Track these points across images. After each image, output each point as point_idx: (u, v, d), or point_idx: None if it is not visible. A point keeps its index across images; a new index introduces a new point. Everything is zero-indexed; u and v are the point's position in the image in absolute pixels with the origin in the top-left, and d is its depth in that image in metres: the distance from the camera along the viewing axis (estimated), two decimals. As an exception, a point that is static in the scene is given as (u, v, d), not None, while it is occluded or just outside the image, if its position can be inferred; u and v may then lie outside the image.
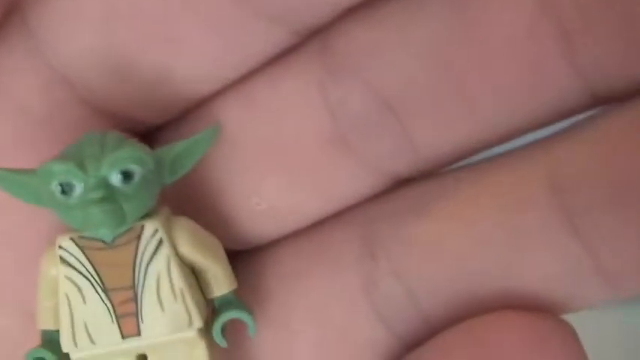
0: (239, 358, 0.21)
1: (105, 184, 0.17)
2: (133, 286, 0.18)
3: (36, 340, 0.20)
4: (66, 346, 0.19)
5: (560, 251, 0.18)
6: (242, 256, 0.22)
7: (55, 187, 0.17)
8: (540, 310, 0.19)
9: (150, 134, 0.22)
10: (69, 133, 0.20)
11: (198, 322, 0.19)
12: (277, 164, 0.20)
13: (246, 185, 0.21)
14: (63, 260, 0.18)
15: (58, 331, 0.19)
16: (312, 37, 0.20)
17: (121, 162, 0.17)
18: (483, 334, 0.18)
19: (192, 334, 0.19)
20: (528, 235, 0.19)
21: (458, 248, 0.19)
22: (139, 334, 0.19)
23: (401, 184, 0.21)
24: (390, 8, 0.19)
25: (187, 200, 0.21)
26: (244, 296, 0.20)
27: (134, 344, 0.19)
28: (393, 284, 0.20)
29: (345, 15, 0.19)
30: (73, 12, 0.19)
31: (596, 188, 0.18)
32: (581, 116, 0.19)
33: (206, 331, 0.20)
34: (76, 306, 0.18)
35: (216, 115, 0.21)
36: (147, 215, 0.19)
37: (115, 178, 0.17)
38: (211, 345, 0.19)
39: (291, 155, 0.20)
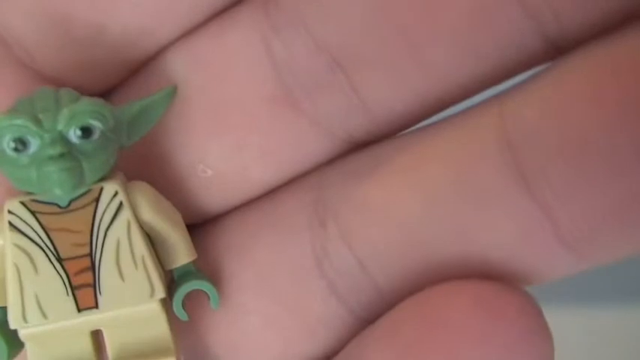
0: (192, 333, 0.20)
1: (63, 140, 0.16)
2: (90, 254, 0.17)
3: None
4: (14, 321, 0.17)
5: (516, 212, 0.17)
6: (191, 230, 0.21)
7: (7, 144, 0.16)
8: (499, 279, 0.18)
9: None
10: (9, 99, 0.18)
11: (160, 292, 0.18)
12: (222, 127, 0.19)
13: (191, 151, 0.19)
14: (12, 226, 0.17)
15: (3, 308, 0.17)
16: None
17: (80, 116, 0.16)
18: (431, 308, 0.17)
19: (153, 305, 0.18)
20: (481, 194, 0.17)
21: (409, 212, 0.18)
22: (96, 306, 0.17)
23: (358, 147, 0.20)
24: None
25: (132, 168, 0.19)
26: None
27: (91, 317, 0.17)
28: (344, 253, 0.19)
29: None
30: None
31: (550, 144, 0.17)
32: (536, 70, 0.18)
33: (164, 304, 0.18)
34: (27, 277, 0.17)
35: (164, 75, 0.19)
36: (102, 179, 0.17)
37: (74, 134, 0.16)
38: (171, 317, 0.18)
39: (236, 116, 0.19)
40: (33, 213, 0.17)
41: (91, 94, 0.18)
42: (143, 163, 0.19)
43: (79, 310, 0.17)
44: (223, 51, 0.19)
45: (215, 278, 0.20)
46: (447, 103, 0.18)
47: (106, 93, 0.20)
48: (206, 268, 0.20)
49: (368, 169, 0.19)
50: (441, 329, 0.17)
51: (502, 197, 0.17)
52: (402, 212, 0.18)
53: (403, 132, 0.20)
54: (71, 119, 0.16)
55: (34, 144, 0.16)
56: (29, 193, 0.17)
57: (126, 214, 0.17)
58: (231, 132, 0.19)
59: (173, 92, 0.19)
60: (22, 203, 0.17)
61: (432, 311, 0.17)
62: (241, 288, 0.20)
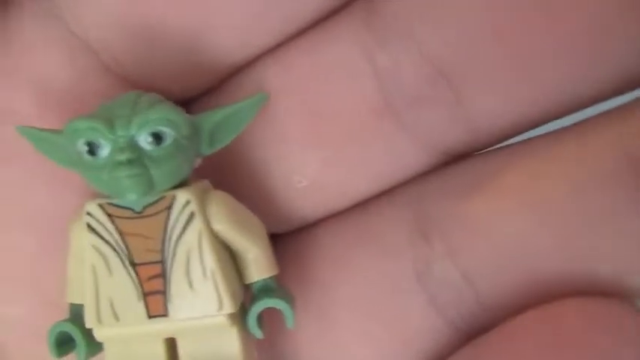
0: (277, 348, 0.19)
1: (133, 146, 0.16)
2: (162, 261, 0.17)
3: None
4: (90, 321, 0.17)
5: (631, 232, 0.16)
6: (282, 239, 0.20)
7: (81, 147, 0.16)
8: (611, 295, 0.17)
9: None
10: (96, 104, 0.18)
11: (229, 307, 0.17)
12: (320, 138, 0.19)
13: (287, 161, 0.19)
14: (90, 227, 0.17)
15: (83, 306, 0.18)
16: (356, 1, 0.18)
17: (151, 123, 0.16)
18: (555, 322, 0.17)
19: (222, 319, 0.17)
20: (596, 213, 0.17)
21: (519, 229, 0.17)
22: (166, 314, 0.17)
23: (453, 160, 0.19)
24: None
25: (221, 178, 0.19)
26: (284, 283, 0.18)
27: (161, 325, 0.17)
28: (449, 267, 0.18)
29: None
30: None
31: None
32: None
33: (241, 317, 0.18)
34: (102, 278, 0.17)
35: (253, 85, 0.19)
36: (180, 186, 0.17)
37: (144, 140, 0.16)
38: (245, 333, 0.18)
39: (335, 128, 0.18)
40: (109, 216, 0.17)
41: (179, 100, 0.18)
42: (235, 171, 0.19)
43: (149, 317, 0.17)
44: (321, 60, 0.18)
45: (308, 289, 0.19)
46: (550, 117, 0.17)
47: (194, 99, 0.20)
48: (298, 278, 0.19)
49: (473, 183, 0.18)
50: (565, 347, 0.16)
51: (618, 217, 0.16)
52: (510, 229, 0.17)
53: (502, 144, 0.19)
54: (143, 125, 0.16)
55: (105, 148, 0.16)
56: (107, 195, 0.17)
57: (197, 225, 0.17)
58: (329, 143, 0.19)
59: (262, 100, 0.18)
60: (100, 205, 0.17)
61: (554, 328, 0.16)
62: (336, 302, 0.19)
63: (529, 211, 0.17)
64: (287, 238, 0.20)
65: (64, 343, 0.18)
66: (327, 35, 0.18)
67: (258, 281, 0.18)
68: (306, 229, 0.20)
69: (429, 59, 0.17)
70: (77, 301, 0.18)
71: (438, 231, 0.18)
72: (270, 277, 0.18)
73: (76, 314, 0.18)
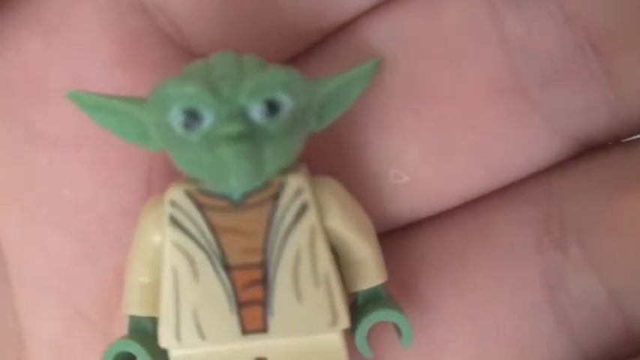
0: None
1: (243, 116, 0.13)
2: (264, 264, 0.13)
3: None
4: (166, 339, 0.14)
5: None
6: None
7: (175, 117, 0.13)
8: None
9: None
10: (154, 76, 0.15)
11: (344, 322, 0.14)
12: (428, 123, 0.16)
13: (384, 152, 0.16)
14: (174, 221, 0.13)
15: (151, 319, 0.14)
16: None
17: (267, 88, 0.13)
18: None
19: (334, 336, 0.14)
20: None
21: None
22: (264, 330, 0.14)
23: (591, 149, 0.16)
24: None
25: (312, 164, 0.16)
26: None
27: (256, 344, 0.14)
28: (589, 281, 0.15)
29: None
30: None
31: None
32: None
33: (345, 335, 0.14)
34: (185, 285, 0.13)
35: (349, 51, 0.16)
36: (284, 171, 0.14)
37: (258, 110, 0.12)
38: (349, 352, 0.14)
39: (448, 110, 0.16)
40: (199, 206, 0.13)
41: None
42: (322, 159, 0.16)
43: (243, 333, 0.14)
44: (437, 22, 0.16)
45: (406, 306, 0.16)
46: None
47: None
48: (394, 291, 0.16)
49: (618, 179, 0.16)
50: None
51: None
52: None
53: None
54: (256, 90, 0.13)
55: (208, 119, 0.13)
56: (196, 181, 0.13)
57: (311, 219, 0.13)
58: (439, 130, 0.16)
59: (375, 67, 0.15)
60: (187, 193, 0.13)
61: None
62: (444, 321, 0.16)
63: None
64: (380, 240, 0.17)
65: None
66: None
67: (366, 289, 0.15)
68: (404, 230, 0.17)
69: (572, 24, 0.15)
70: (141, 313, 0.14)
71: (574, 235, 0.15)
72: (380, 285, 0.15)
73: (139, 329, 0.15)
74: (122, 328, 0.15)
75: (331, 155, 0.16)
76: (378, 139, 0.16)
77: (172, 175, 0.15)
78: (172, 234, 0.14)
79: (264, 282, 0.14)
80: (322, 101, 0.14)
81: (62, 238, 0.16)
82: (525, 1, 0.15)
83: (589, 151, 0.16)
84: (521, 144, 0.16)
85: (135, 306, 0.14)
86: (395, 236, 0.17)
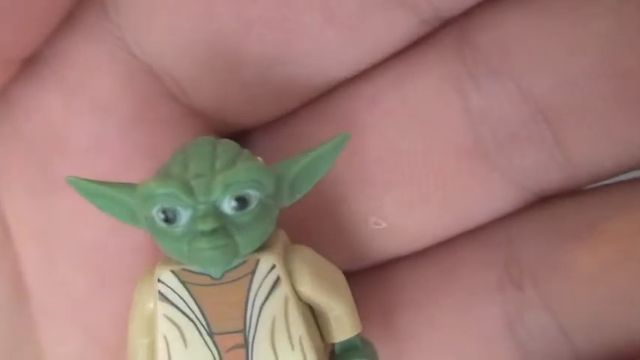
0: None
1: (216, 212, 0.14)
2: (244, 330, 0.15)
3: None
4: None
5: None
6: (355, 276, 0.19)
7: (157, 214, 0.14)
8: None
9: (240, 134, 0.19)
10: (157, 133, 0.17)
11: None
12: (403, 178, 0.17)
13: (364, 202, 0.18)
14: (162, 296, 0.15)
15: None
16: (447, 28, 0.17)
17: (235, 185, 0.14)
18: None
19: None
20: None
21: (624, 282, 0.16)
22: None
23: (544, 200, 0.18)
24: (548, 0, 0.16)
25: (295, 213, 0.17)
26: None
27: None
28: (543, 317, 0.17)
29: (487, 2, 0.16)
30: None
31: None
32: None
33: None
34: (176, 351, 0.15)
35: (329, 114, 0.17)
36: (260, 247, 0.15)
37: (228, 205, 0.14)
38: None
39: (419, 168, 0.17)
40: (184, 283, 0.15)
41: (249, 128, 0.17)
42: (310, 207, 0.17)
43: None
44: (409, 96, 0.17)
45: (385, 335, 0.18)
46: None
47: (264, 126, 0.18)
48: (373, 321, 0.18)
49: (571, 228, 0.17)
50: None
51: None
52: (614, 282, 0.16)
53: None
54: (227, 188, 0.14)
55: (184, 216, 0.14)
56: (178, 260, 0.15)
57: (283, 290, 0.15)
58: (412, 184, 0.17)
59: (344, 141, 0.16)
60: (173, 272, 0.15)
61: None
62: (417, 351, 0.18)
63: (631, 264, 0.16)
64: (361, 276, 0.19)
65: None
66: (415, 66, 0.17)
67: (342, 340, 0.16)
68: (382, 267, 0.18)
69: (527, 97, 0.16)
70: None
71: (530, 277, 0.17)
72: (355, 336, 0.16)
73: None
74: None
75: (318, 206, 0.18)
76: (360, 192, 0.17)
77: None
78: (162, 307, 0.15)
79: (246, 345, 0.15)
80: (293, 179, 0.15)
81: (79, 273, 0.18)
82: (486, 79, 0.16)
83: (543, 201, 0.17)
84: (484, 197, 0.17)
85: None
86: (375, 273, 0.19)
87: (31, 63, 0.17)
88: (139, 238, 0.17)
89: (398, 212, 0.17)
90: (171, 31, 0.17)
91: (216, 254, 0.14)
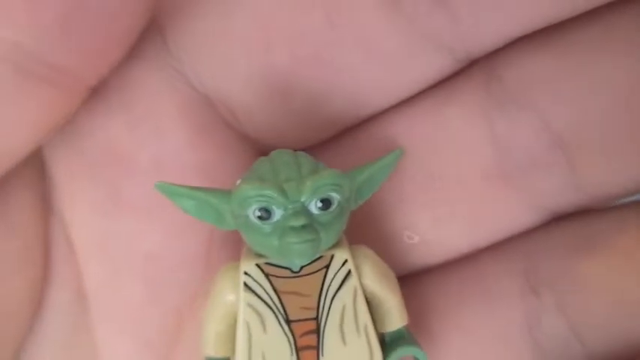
0: None
1: (304, 211, 0.16)
2: (317, 318, 0.17)
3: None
4: None
5: None
6: None
7: (253, 213, 0.16)
8: None
9: None
10: (211, 159, 0.19)
11: (379, 359, 0.17)
12: (434, 198, 0.20)
13: (401, 218, 0.20)
14: (247, 287, 0.17)
15: (223, 359, 0.18)
16: (477, 65, 0.19)
17: (322, 189, 0.16)
18: None
19: None
20: None
21: (631, 291, 0.19)
22: None
23: (561, 217, 0.20)
24: (569, 42, 0.18)
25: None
26: None
27: None
28: (558, 322, 0.19)
29: (514, 43, 0.19)
30: (220, 26, 0.18)
31: None
32: None
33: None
34: (256, 335, 0.17)
35: (371, 141, 0.20)
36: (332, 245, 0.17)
37: (314, 206, 0.16)
38: None
39: (449, 188, 0.20)
40: (266, 275, 0.17)
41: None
42: (353, 223, 0.19)
43: None
44: (442, 124, 0.19)
45: (421, 339, 0.20)
46: None
47: (310, 151, 0.20)
48: (410, 326, 0.19)
49: (581, 242, 0.19)
50: None
51: None
52: (622, 290, 0.18)
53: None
54: (314, 191, 0.16)
55: (277, 214, 0.16)
56: (262, 255, 0.17)
57: (353, 282, 0.17)
58: (443, 203, 0.20)
59: (399, 156, 0.18)
60: (258, 266, 0.17)
61: None
62: (447, 352, 0.20)
63: (636, 272, 0.18)
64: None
65: None
66: (448, 98, 0.19)
67: (392, 331, 0.18)
68: (412, 278, 0.21)
69: (546, 127, 0.18)
70: (216, 355, 0.18)
71: (547, 286, 0.19)
72: (403, 326, 0.19)
73: None
74: (183, 356, 0.19)
75: (360, 222, 0.20)
76: (396, 210, 0.20)
77: (228, 237, 0.19)
78: (246, 296, 0.17)
79: (318, 331, 0.17)
80: (359, 186, 0.18)
81: (136, 283, 0.19)
82: (510, 111, 0.18)
83: (559, 219, 0.20)
84: (506, 215, 0.20)
85: (211, 349, 0.18)
86: (408, 283, 0.21)
87: (97, 91, 0.19)
88: (191, 253, 0.19)
89: (429, 228, 0.20)
90: (227, 64, 0.19)
91: (305, 247, 0.16)
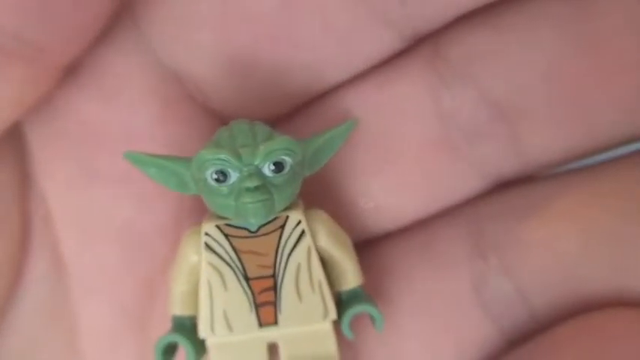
0: (352, 352, 0.21)
1: (258, 174, 0.18)
2: (274, 275, 0.18)
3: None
4: (203, 331, 0.19)
5: None
6: None
7: (210, 175, 0.18)
8: None
9: None
10: (179, 132, 0.20)
11: (333, 314, 0.19)
12: (386, 165, 0.21)
13: (357, 185, 0.21)
14: (208, 247, 0.18)
15: (189, 317, 0.19)
16: (422, 43, 0.21)
17: (274, 152, 0.18)
18: (597, 329, 0.19)
19: (326, 325, 0.19)
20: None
21: (570, 250, 0.20)
22: (275, 323, 0.19)
23: (504, 184, 0.21)
24: (506, 18, 0.20)
25: (301, 195, 0.21)
26: None
27: (269, 333, 0.19)
28: (504, 282, 0.20)
29: (457, 21, 0.20)
30: (187, 11, 0.20)
31: None
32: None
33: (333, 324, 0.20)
34: (217, 293, 0.19)
35: (327, 112, 0.21)
36: (287, 208, 0.19)
37: (267, 169, 0.18)
38: (337, 337, 0.20)
39: (400, 157, 0.21)
40: (226, 236, 0.18)
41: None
42: (311, 189, 0.21)
43: (260, 326, 0.19)
44: (393, 98, 0.21)
45: (376, 299, 0.21)
46: (598, 152, 0.20)
47: (271, 122, 0.22)
48: (367, 289, 0.21)
49: (525, 207, 0.20)
50: (607, 348, 0.18)
51: None
52: (562, 249, 0.20)
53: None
54: (267, 155, 0.18)
55: (233, 176, 0.18)
56: (222, 217, 0.18)
57: (307, 242, 0.19)
58: (395, 170, 0.21)
59: (353, 126, 0.20)
60: (218, 227, 0.18)
61: (598, 332, 0.19)
62: (400, 312, 0.21)
63: (579, 234, 0.19)
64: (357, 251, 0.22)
65: (166, 352, 0.19)
66: (396, 73, 0.20)
67: (347, 290, 0.20)
68: (370, 243, 0.22)
69: (488, 99, 0.20)
70: (182, 313, 0.19)
71: (493, 248, 0.20)
72: (358, 286, 0.20)
73: (180, 325, 0.19)
74: (157, 321, 0.20)
75: (319, 189, 0.21)
76: (351, 177, 0.21)
77: (197, 207, 0.20)
78: (207, 256, 0.18)
79: (275, 288, 0.19)
80: (312, 154, 0.19)
81: (111, 251, 0.21)
82: (454, 85, 0.20)
83: (504, 185, 0.21)
84: (453, 182, 0.21)
85: (177, 308, 0.19)
86: (365, 248, 0.22)
87: (72, 71, 0.20)
88: (162, 221, 0.20)
89: (383, 194, 0.21)
90: (194, 43, 0.20)
91: (259, 206, 0.18)
